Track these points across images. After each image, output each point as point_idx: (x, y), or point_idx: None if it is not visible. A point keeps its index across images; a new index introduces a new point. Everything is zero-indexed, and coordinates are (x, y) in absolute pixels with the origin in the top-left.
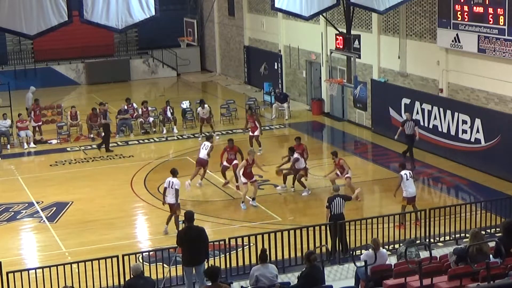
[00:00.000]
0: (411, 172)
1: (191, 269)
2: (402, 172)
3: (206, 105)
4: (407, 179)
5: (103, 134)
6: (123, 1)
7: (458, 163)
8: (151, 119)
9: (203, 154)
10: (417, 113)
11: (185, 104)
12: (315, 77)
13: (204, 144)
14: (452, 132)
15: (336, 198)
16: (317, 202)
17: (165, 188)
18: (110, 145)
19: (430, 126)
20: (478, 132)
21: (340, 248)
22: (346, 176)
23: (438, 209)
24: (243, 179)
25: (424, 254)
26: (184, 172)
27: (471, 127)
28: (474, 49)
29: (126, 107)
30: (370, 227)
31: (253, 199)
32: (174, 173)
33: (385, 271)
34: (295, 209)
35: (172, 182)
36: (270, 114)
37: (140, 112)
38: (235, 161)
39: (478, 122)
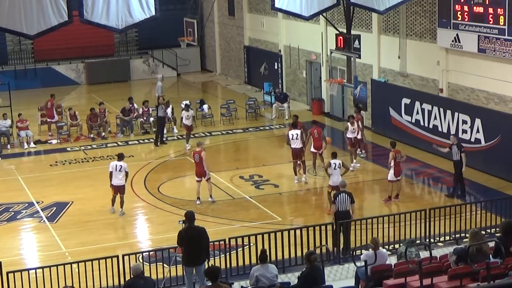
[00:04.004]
0: (340, 163)
1: (191, 269)
2: (332, 161)
3: (191, 109)
4: (334, 168)
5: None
6: (123, 1)
7: None
8: (151, 119)
9: (296, 144)
10: (417, 113)
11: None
12: (315, 77)
13: (292, 135)
14: (452, 132)
15: (341, 194)
16: (318, 202)
17: (111, 172)
18: (111, 144)
19: (430, 126)
20: (478, 132)
21: (342, 246)
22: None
23: (438, 209)
24: (196, 178)
25: (424, 254)
26: (184, 171)
27: (471, 127)
28: (474, 49)
29: (129, 107)
30: (370, 227)
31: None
32: (121, 156)
33: (385, 271)
34: (295, 209)
35: (121, 165)
36: (270, 114)
37: (140, 112)
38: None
39: (478, 122)
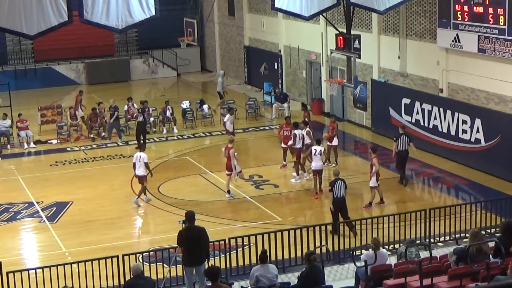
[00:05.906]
0: (321, 150)
1: (191, 269)
2: (313, 147)
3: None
4: (314, 154)
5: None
6: (123, 1)
7: (458, 163)
8: (151, 119)
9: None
10: (417, 113)
11: (185, 104)
12: (315, 77)
13: (306, 130)
14: (452, 132)
15: (337, 182)
16: (317, 202)
17: (134, 163)
18: (111, 144)
19: (430, 126)
20: (478, 132)
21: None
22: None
23: (438, 209)
24: (226, 171)
25: (424, 254)
26: (184, 172)
27: (471, 127)
28: (474, 49)
29: (127, 107)
30: (370, 227)
31: (228, 191)
32: (141, 147)
33: (385, 271)
34: (295, 209)
35: (140, 156)
36: (270, 114)
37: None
38: (290, 141)
39: (478, 122)
